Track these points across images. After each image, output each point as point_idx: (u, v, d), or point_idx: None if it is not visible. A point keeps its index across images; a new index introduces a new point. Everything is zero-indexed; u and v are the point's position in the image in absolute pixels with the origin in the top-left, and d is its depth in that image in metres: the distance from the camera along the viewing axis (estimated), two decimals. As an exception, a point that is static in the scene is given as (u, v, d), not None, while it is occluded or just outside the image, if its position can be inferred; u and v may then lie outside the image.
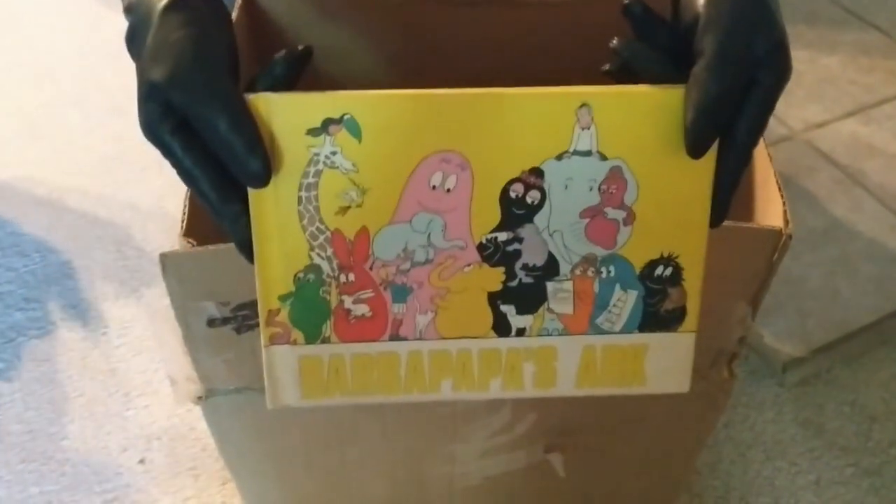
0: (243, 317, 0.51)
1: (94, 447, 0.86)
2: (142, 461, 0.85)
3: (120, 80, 1.29)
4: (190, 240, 0.48)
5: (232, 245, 0.47)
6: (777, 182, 0.52)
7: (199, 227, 0.49)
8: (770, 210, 0.52)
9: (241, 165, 0.42)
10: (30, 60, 1.36)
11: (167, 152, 0.42)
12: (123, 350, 0.95)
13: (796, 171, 1.13)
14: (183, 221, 0.49)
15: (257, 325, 0.51)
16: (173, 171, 0.43)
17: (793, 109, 1.23)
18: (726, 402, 0.61)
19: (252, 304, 0.50)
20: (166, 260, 0.48)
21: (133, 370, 0.93)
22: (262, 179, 0.42)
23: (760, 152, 0.55)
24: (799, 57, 1.34)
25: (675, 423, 0.62)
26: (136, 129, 0.42)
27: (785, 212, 0.50)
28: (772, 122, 0.44)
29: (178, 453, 0.86)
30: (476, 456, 0.63)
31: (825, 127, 1.20)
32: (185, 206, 0.50)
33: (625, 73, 0.47)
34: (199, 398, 0.57)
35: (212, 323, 0.51)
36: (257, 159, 0.42)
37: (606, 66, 0.48)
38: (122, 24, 0.44)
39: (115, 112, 1.24)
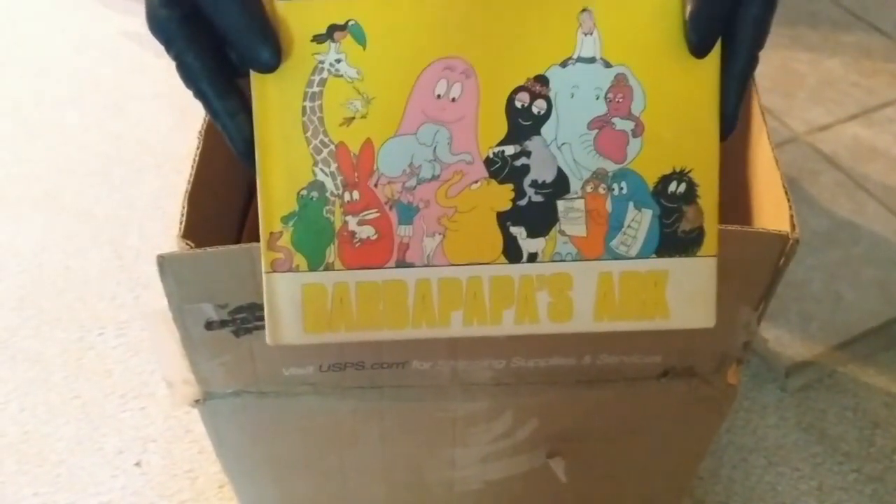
0: (241, 319, 0.51)
1: (89, 449, 0.86)
2: (138, 464, 0.84)
3: (117, 79, 1.29)
4: (188, 241, 0.48)
5: (230, 247, 0.46)
6: (783, 185, 0.51)
7: (197, 228, 0.49)
8: (776, 213, 0.51)
9: (248, 48, 0.41)
10: (26, 59, 1.35)
11: (169, 44, 0.42)
12: (119, 352, 0.94)
13: (798, 174, 1.12)
14: (181, 222, 0.49)
15: (255, 327, 0.51)
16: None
17: (795, 112, 1.22)
18: (730, 408, 0.60)
19: (251, 307, 0.50)
20: (164, 261, 0.47)
21: (129, 372, 0.92)
22: (271, 63, 0.42)
23: (767, 154, 0.55)
24: (801, 59, 1.35)
25: (678, 429, 0.61)
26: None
27: (791, 216, 0.49)
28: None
29: (175, 456, 0.85)
30: (477, 460, 0.62)
31: (827, 129, 1.20)
32: (182, 207, 0.49)
33: None
34: (197, 401, 0.57)
35: (210, 325, 0.51)
36: (266, 41, 0.41)
37: None
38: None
39: (112, 111, 1.23)
